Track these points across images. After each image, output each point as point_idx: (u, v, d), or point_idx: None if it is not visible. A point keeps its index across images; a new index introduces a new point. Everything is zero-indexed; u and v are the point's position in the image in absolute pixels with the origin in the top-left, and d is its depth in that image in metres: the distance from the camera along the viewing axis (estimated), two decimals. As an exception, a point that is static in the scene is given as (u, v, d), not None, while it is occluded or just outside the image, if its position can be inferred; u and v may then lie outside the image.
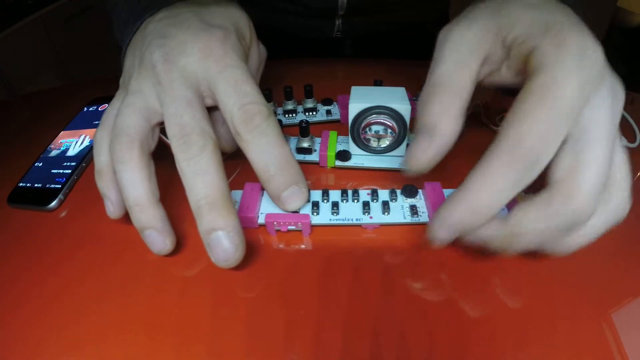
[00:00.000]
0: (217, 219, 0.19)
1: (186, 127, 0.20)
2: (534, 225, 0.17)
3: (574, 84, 0.16)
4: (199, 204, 0.19)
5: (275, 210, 0.23)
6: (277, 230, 0.23)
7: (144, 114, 0.21)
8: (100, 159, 0.22)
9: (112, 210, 0.22)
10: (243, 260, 0.21)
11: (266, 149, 0.20)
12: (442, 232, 0.18)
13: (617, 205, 0.17)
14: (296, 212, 0.22)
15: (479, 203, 0.17)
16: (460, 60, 0.19)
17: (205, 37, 0.21)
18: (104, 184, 0.22)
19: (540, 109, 0.16)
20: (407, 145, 0.26)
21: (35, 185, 0.27)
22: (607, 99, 0.17)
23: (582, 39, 0.16)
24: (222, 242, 0.18)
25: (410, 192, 0.23)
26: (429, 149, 0.18)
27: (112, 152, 0.20)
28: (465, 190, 0.17)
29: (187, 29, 0.22)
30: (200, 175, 0.19)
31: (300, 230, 0.22)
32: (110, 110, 0.23)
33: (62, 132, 0.32)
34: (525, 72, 0.18)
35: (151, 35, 0.22)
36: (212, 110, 0.23)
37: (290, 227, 0.22)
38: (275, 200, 0.22)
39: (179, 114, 0.20)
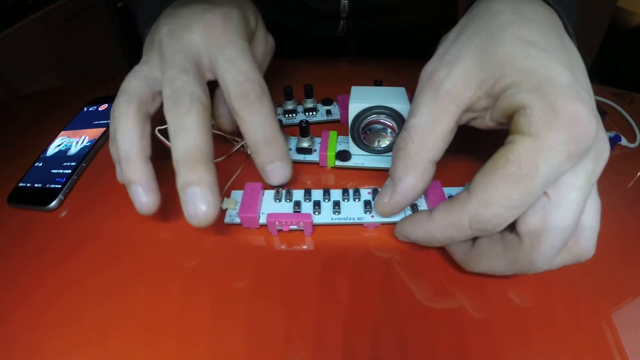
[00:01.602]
0: (192, 175, 0.19)
1: (178, 90, 0.21)
2: (493, 261, 0.18)
3: (557, 160, 0.15)
4: (178, 160, 0.19)
5: (276, 210, 0.23)
6: (279, 230, 0.23)
7: (147, 80, 0.22)
8: (112, 127, 0.23)
9: (121, 172, 0.22)
10: (244, 260, 0.21)
11: (256, 126, 0.22)
12: (402, 239, 0.21)
13: (580, 251, 0.17)
14: (298, 211, 0.22)
15: (436, 237, 0.19)
16: (438, 111, 0.18)
17: (209, 16, 0.23)
18: (115, 149, 0.22)
19: (515, 184, 0.15)
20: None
21: (35, 185, 0.27)
22: (589, 165, 0.16)
23: (577, 107, 0.15)
24: (195, 199, 0.19)
25: None
26: (391, 199, 0.20)
27: (112, 110, 0.22)
28: (429, 222, 0.19)
29: (194, 10, 0.24)
30: (183, 133, 0.20)
31: (302, 230, 0.22)
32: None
33: (62, 132, 0.32)
34: (509, 125, 0.17)
35: (164, 17, 0.25)
36: (216, 90, 0.25)
37: (291, 227, 0.22)
38: (261, 172, 0.23)
39: (173, 78, 0.21)
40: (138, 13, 0.29)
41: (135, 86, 0.22)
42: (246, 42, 0.23)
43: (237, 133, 0.25)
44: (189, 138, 0.20)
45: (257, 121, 0.22)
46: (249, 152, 0.26)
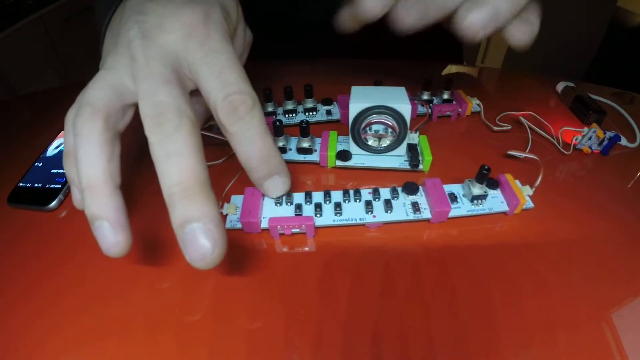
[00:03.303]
0: (191, 208, 0.16)
1: (161, 105, 0.18)
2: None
3: None
4: (171, 191, 0.16)
5: (278, 213, 0.23)
6: (281, 234, 0.23)
7: (115, 90, 0.19)
8: (68, 141, 0.20)
9: (79, 198, 0.19)
10: (247, 264, 0.21)
11: (249, 142, 0.20)
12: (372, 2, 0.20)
13: None
14: (299, 214, 0.22)
15: None
16: None
17: (187, 13, 0.20)
18: (71, 168, 0.20)
19: None
20: (408, 144, 0.26)
21: (35, 185, 0.27)
22: None
23: None
24: (197, 237, 0.16)
25: (411, 189, 0.23)
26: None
27: (74, 125, 0.18)
28: None
29: (167, 4, 0.20)
30: (174, 158, 0.17)
31: (304, 233, 0.22)
32: (84, 91, 0.20)
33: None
34: None
35: (129, 11, 0.21)
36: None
37: (294, 230, 0.22)
38: (258, 187, 0.22)
39: (154, 91, 0.18)
40: (96, 4, 0.26)
41: (101, 97, 0.18)
42: (231, 46, 0.21)
43: None
44: (181, 164, 0.17)
45: (249, 137, 0.20)
46: None
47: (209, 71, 0.19)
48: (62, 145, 0.30)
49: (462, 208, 0.23)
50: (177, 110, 0.18)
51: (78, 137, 0.18)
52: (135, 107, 0.20)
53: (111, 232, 0.17)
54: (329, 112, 0.32)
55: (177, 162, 0.17)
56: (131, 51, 0.19)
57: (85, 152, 0.18)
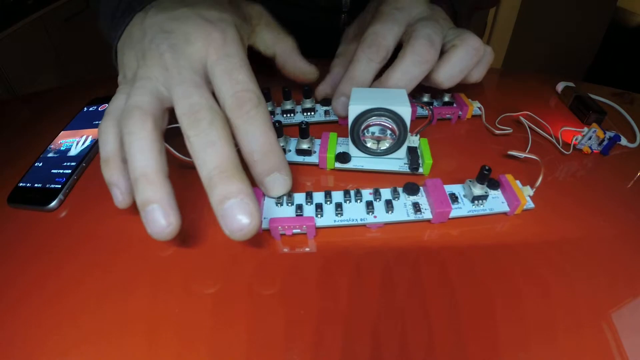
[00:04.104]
0: (230, 186, 0.18)
1: (195, 105, 0.20)
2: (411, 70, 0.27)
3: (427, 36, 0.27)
4: (211, 174, 0.19)
5: (278, 214, 0.23)
6: (282, 235, 0.23)
7: (156, 95, 0.22)
8: (107, 148, 0.22)
9: (122, 199, 0.21)
10: (247, 264, 0.21)
11: (252, 135, 0.21)
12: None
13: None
14: (300, 214, 0.22)
15: (354, 75, 0.28)
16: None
17: (208, 28, 0.23)
18: (112, 171, 0.21)
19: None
20: (408, 147, 0.26)
21: (35, 185, 0.27)
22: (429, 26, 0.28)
23: (430, 24, 0.28)
24: (235, 211, 0.18)
25: (412, 189, 0.23)
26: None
27: (123, 126, 0.20)
28: (345, 75, 0.29)
29: (187, 22, 0.23)
30: (210, 147, 0.19)
31: (305, 234, 0.22)
32: (114, 102, 0.23)
33: (62, 132, 0.32)
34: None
35: (152, 29, 0.23)
36: None
37: (295, 231, 0.22)
38: (260, 185, 0.23)
39: (188, 94, 0.21)
40: (100, 10, 0.29)
41: (147, 101, 0.21)
42: (244, 53, 0.23)
43: None
44: (217, 152, 0.19)
45: (253, 130, 0.21)
46: None
47: (221, 71, 0.22)
48: (62, 145, 0.31)
49: (463, 208, 0.23)
50: (210, 108, 0.20)
51: (131, 135, 0.20)
52: (170, 111, 0.22)
53: (163, 214, 0.19)
54: (327, 113, 0.32)
55: (214, 151, 0.19)
56: (163, 62, 0.22)
57: (138, 146, 0.20)
